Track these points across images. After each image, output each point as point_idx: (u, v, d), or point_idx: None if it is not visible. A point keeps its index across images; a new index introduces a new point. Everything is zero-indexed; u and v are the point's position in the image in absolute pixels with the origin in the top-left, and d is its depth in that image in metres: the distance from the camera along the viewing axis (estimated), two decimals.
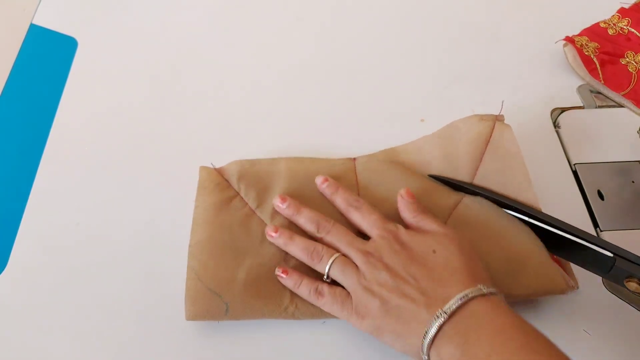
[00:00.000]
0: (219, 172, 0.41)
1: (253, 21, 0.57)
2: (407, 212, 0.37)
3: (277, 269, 0.36)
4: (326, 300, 0.34)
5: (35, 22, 0.56)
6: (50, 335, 0.36)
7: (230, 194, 0.40)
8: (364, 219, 0.37)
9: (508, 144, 0.40)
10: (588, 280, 0.39)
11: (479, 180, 0.40)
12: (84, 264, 0.40)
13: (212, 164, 0.41)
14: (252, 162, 0.41)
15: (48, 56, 0.53)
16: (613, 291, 0.38)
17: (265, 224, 0.39)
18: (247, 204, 0.40)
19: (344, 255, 0.36)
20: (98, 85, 0.51)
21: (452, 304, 0.30)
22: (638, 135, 0.47)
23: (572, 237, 0.35)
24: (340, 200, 0.39)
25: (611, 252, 0.34)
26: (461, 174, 0.40)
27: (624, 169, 0.45)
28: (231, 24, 0.57)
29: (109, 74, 0.52)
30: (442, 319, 0.30)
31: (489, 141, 0.40)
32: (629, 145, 0.47)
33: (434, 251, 0.33)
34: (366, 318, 0.33)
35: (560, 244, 0.36)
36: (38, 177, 0.44)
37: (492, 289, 0.31)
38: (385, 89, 0.51)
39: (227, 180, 0.41)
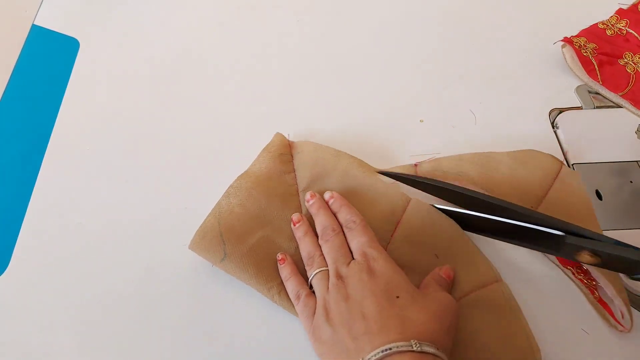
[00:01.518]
0: (290, 144, 0.44)
1: (253, 21, 0.57)
2: (430, 280, 0.36)
3: (278, 253, 0.38)
4: (299, 306, 0.36)
5: (36, 22, 0.56)
6: (51, 335, 0.37)
7: (288, 168, 0.43)
8: (352, 241, 0.38)
9: (575, 182, 0.41)
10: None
11: (542, 209, 0.39)
12: (85, 264, 0.40)
13: (288, 134, 0.44)
14: (320, 148, 0.43)
15: (50, 57, 0.53)
16: None
17: (300, 210, 0.41)
18: (296, 183, 0.42)
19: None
20: (100, 86, 0.51)
21: (372, 356, 0.30)
22: (636, 135, 0.47)
23: (519, 223, 0.36)
24: (341, 219, 0.39)
25: (560, 230, 0.34)
26: (526, 200, 0.40)
27: (622, 169, 0.46)
28: (231, 24, 0.57)
29: (111, 74, 0.52)
30: None
31: (557, 177, 0.41)
32: (627, 146, 0.47)
33: (398, 297, 0.33)
34: (317, 341, 0.34)
35: (510, 232, 0.37)
36: (40, 177, 0.44)
37: (427, 348, 0.29)
38: (385, 89, 0.51)
39: (291, 155, 0.43)
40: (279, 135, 0.45)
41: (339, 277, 0.35)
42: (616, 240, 0.33)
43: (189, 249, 0.38)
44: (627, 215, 0.43)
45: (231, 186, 0.41)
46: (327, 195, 0.41)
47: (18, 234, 0.41)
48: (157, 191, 0.44)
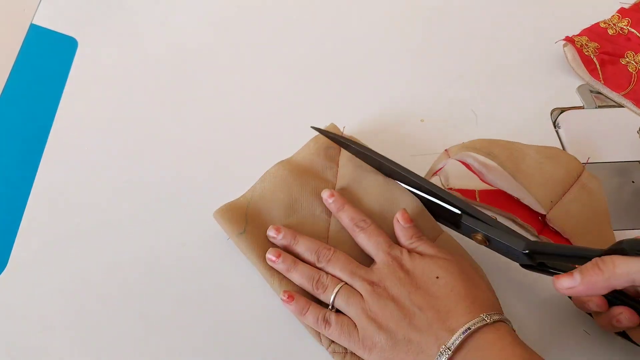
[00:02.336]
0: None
1: (253, 20, 0.57)
2: (403, 238, 0.37)
3: (282, 294, 0.36)
4: (333, 330, 0.34)
5: (35, 22, 0.56)
6: (50, 335, 0.36)
7: (332, 163, 0.42)
8: (369, 242, 0.37)
9: (595, 187, 0.41)
10: None
11: (560, 207, 0.39)
12: (84, 263, 0.40)
13: (344, 127, 0.44)
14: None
15: (48, 56, 0.53)
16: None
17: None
18: (336, 181, 0.42)
19: (347, 284, 0.35)
20: (98, 85, 0.51)
21: (455, 339, 0.30)
22: (638, 135, 0.47)
23: (427, 196, 0.38)
24: (347, 218, 0.38)
25: (458, 209, 0.36)
26: (544, 193, 0.40)
27: (624, 169, 0.45)
28: (231, 24, 0.57)
29: (109, 73, 0.52)
30: (447, 356, 0.30)
31: (578, 178, 0.41)
32: (628, 145, 0.47)
33: (438, 277, 0.33)
34: (373, 351, 0.32)
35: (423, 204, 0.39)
36: (38, 177, 0.44)
37: (496, 316, 0.31)
38: (386, 88, 0.51)
39: (339, 150, 0.43)
40: (332, 126, 0.44)
41: (372, 283, 0.34)
42: (508, 228, 0.35)
43: (213, 214, 0.39)
44: (628, 215, 0.43)
45: (268, 172, 0.41)
46: (326, 194, 0.39)
47: (16, 234, 0.41)
48: (156, 191, 0.44)
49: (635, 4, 0.56)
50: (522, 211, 0.42)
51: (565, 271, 0.32)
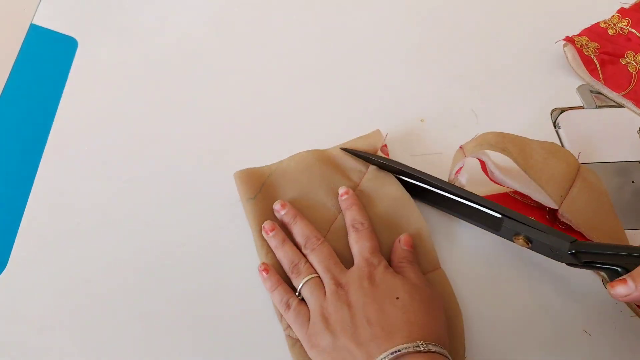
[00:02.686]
0: (382, 148, 0.44)
1: (253, 20, 0.57)
2: (395, 256, 0.38)
3: (260, 265, 0.38)
4: (290, 314, 0.36)
5: (35, 22, 0.56)
6: (50, 335, 0.36)
7: (361, 169, 0.43)
8: (356, 243, 0.38)
9: (594, 179, 0.41)
10: (588, 281, 0.39)
11: (569, 200, 0.40)
12: (84, 264, 0.40)
13: (386, 134, 0.45)
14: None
15: (48, 56, 0.53)
16: None
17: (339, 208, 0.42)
18: (359, 183, 0.42)
19: (320, 277, 0.37)
20: (98, 85, 0.51)
21: (383, 357, 0.30)
22: (638, 135, 0.47)
23: (466, 202, 0.39)
24: (349, 217, 0.39)
25: (499, 213, 0.37)
26: (553, 187, 0.40)
27: (624, 169, 0.45)
28: (231, 23, 0.56)
29: (109, 73, 0.52)
30: None
31: (578, 172, 0.41)
32: (629, 146, 0.47)
33: (397, 298, 0.33)
34: (315, 349, 0.33)
35: (458, 208, 0.40)
36: (38, 177, 0.44)
37: (433, 347, 0.31)
38: (386, 88, 0.51)
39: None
40: (376, 132, 0.44)
41: (338, 284, 0.35)
42: (550, 228, 0.35)
43: (234, 174, 0.42)
44: (629, 215, 0.43)
45: (299, 153, 0.43)
46: (342, 190, 0.41)
47: (16, 234, 0.41)
48: (156, 190, 0.44)
49: (635, 4, 0.56)
50: (529, 213, 0.42)
51: (609, 266, 0.33)
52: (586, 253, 0.34)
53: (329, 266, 0.37)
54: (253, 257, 0.40)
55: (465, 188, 0.40)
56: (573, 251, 0.34)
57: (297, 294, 0.37)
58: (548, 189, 0.39)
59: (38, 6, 0.58)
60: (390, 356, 0.30)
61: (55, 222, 0.42)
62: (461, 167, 0.40)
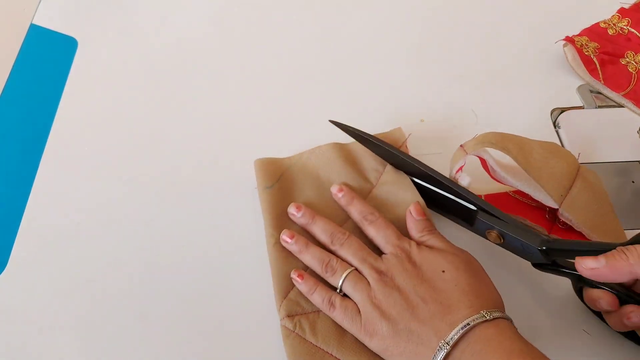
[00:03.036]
0: (403, 146, 0.44)
1: (253, 20, 0.57)
2: (414, 230, 0.38)
3: (292, 272, 0.37)
4: (337, 312, 0.35)
5: (35, 22, 0.56)
6: (50, 335, 0.36)
7: (379, 169, 0.43)
8: (377, 234, 0.38)
9: (593, 179, 0.42)
10: None
11: (569, 200, 0.40)
12: (84, 264, 0.40)
13: (409, 134, 0.44)
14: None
15: (48, 56, 0.53)
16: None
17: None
18: (374, 186, 0.42)
19: (356, 269, 0.36)
20: (98, 85, 0.51)
21: (454, 334, 0.30)
22: (638, 135, 0.47)
23: (442, 192, 0.38)
24: (356, 212, 0.39)
25: (474, 205, 0.36)
26: (553, 187, 0.40)
27: (624, 169, 0.45)
28: (231, 23, 0.57)
29: (109, 73, 0.52)
30: (445, 350, 0.30)
31: (578, 172, 0.41)
32: (629, 145, 0.47)
33: (444, 271, 0.33)
34: (374, 337, 0.33)
35: (433, 198, 0.40)
36: (38, 176, 0.44)
37: (497, 313, 0.31)
38: (386, 88, 0.51)
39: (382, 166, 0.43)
40: (398, 130, 0.44)
41: (380, 272, 0.35)
42: (523, 225, 0.35)
43: (255, 161, 0.42)
44: (629, 215, 0.43)
45: (320, 147, 0.43)
46: (335, 189, 0.41)
47: (16, 234, 0.41)
48: (156, 190, 0.43)
49: (635, 4, 0.56)
50: (529, 212, 0.42)
51: (576, 271, 0.33)
52: (557, 250, 0.34)
53: (364, 257, 0.36)
54: (257, 258, 0.39)
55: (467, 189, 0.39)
56: (544, 247, 0.33)
57: (338, 291, 0.36)
58: (548, 188, 0.39)
59: (38, 6, 0.58)
60: (461, 331, 0.30)
61: (55, 222, 0.42)
62: (462, 166, 0.40)
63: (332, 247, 0.38)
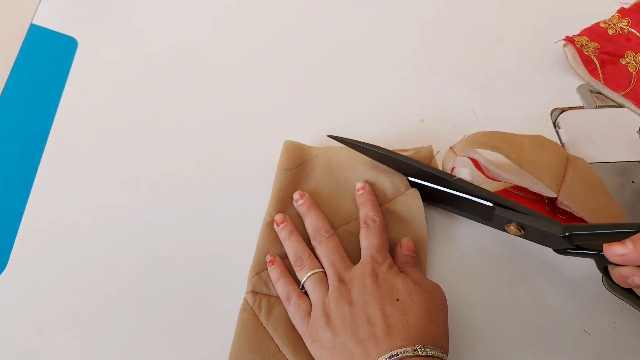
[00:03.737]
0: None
1: (253, 20, 0.57)
2: (397, 261, 0.38)
3: (268, 256, 0.38)
4: (290, 308, 0.36)
5: (35, 22, 0.56)
6: (50, 335, 0.36)
7: (400, 187, 0.42)
8: (365, 239, 0.38)
9: (584, 166, 0.42)
10: (588, 280, 0.39)
11: (566, 188, 0.40)
12: (84, 264, 0.40)
13: (438, 152, 0.43)
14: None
15: (48, 56, 0.53)
16: (613, 291, 0.38)
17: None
18: (392, 200, 0.42)
19: (324, 271, 0.37)
20: (98, 85, 0.51)
21: None
22: (638, 135, 0.47)
23: (456, 193, 0.39)
24: (362, 213, 0.40)
25: (491, 202, 0.37)
26: (548, 177, 0.40)
27: (624, 169, 0.45)
28: (232, 23, 0.57)
29: (110, 73, 0.52)
30: None
31: (568, 161, 0.42)
32: (629, 146, 0.47)
33: (398, 299, 0.33)
34: (315, 343, 0.33)
35: (448, 199, 0.40)
36: (38, 177, 0.44)
37: (430, 351, 0.31)
38: (386, 88, 0.51)
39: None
40: (428, 148, 0.43)
41: (342, 280, 0.35)
42: (541, 215, 0.35)
43: (285, 141, 0.43)
44: (629, 215, 0.42)
45: (349, 148, 0.42)
46: (358, 185, 0.41)
47: (16, 234, 0.41)
48: (156, 190, 0.44)
49: (635, 4, 0.56)
50: (529, 205, 0.42)
51: (600, 252, 0.32)
52: (579, 235, 0.34)
53: (334, 261, 0.37)
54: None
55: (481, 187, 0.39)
56: (566, 234, 0.33)
57: (300, 287, 0.37)
58: (544, 179, 0.39)
59: (38, 6, 0.58)
60: (389, 359, 0.30)
61: (55, 222, 0.42)
62: (454, 167, 0.40)
63: (312, 242, 0.38)
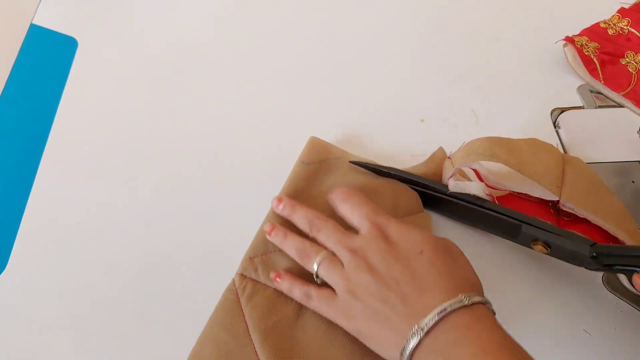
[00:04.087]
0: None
1: (254, 20, 0.57)
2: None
3: (271, 273, 0.36)
4: (315, 303, 0.34)
5: (35, 22, 0.56)
6: (50, 335, 0.36)
7: (405, 212, 0.41)
8: (353, 214, 0.35)
9: (582, 165, 0.42)
10: (588, 280, 0.39)
11: (567, 188, 0.40)
12: (84, 264, 0.40)
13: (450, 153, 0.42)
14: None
15: (48, 56, 0.53)
16: (613, 291, 0.38)
17: None
18: (399, 216, 0.41)
19: (333, 253, 0.34)
20: (98, 85, 0.51)
21: (429, 320, 0.28)
22: (638, 135, 0.47)
23: (483, 209, 0.38)
24: (332, 196, 0.37)
25: (517, 220, 0.36)
26: (548, 180, 0.40)
27: (624, 169, 0.45)
28: (232, 23, 0.56)
29: (110, 73, 0.52)
30: (418, 337, 0.28)
31: (564, 161, 0.42)
32: (629, 146, 0.47)
33: (421, 251, 0.31)
34: (351, 320, 0.32)
35: (476, 217, 0.39)
36: (38, 177, 0.44)
37: (475, 298, 0.29)
38: (385, 88, 0.51)
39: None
40: (441, 151, 0.43)
41: (353, 251, 0.33)
42: (568, 232, 0.35)
43: (311, 136, 0.43)
44: None
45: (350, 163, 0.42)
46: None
47: (16, 234, 0.41)
48: (155, 191, 0.43)
49: (635, 4, 0.56)
50: (536, 208, 0.42)
51: (630, 267, 0.32)
52: (607, 256, 0.33)
53: (339, 238, 0.34)
54: None
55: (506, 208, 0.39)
56: (594, 254, 0.33)
57: (315, 277, 0.34)
58: (545, 182, 0.39)
59: (38, 6, 0.58)
60: (437, 317, 0.28)
61: (55, 222, 0.42)
62: (452, 174, 0.40)
63: (311, 235, 0.36)
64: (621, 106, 0.50)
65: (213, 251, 0.40)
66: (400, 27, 0.56)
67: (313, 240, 0.36)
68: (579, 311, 0.38)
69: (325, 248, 0.35)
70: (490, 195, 0.40)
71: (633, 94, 0.50)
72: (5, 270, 0.39)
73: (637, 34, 0.54)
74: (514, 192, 0.43)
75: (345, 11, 0.58)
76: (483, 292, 0.31)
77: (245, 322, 0.35)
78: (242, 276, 0.37)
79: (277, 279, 0.36)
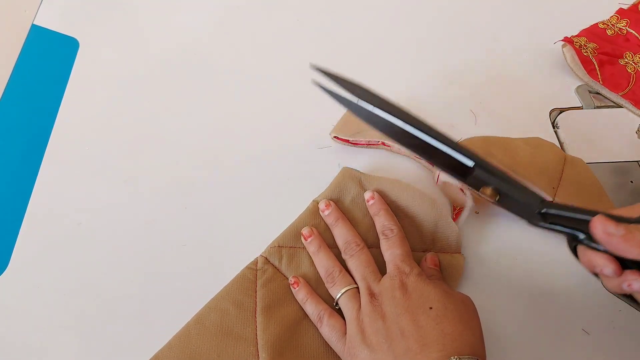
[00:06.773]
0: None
1: (254, 21, 0.57)
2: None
3: (290, 278, 0.38)
4: (324, 329, 0.35)
5: (36, 22, 0.56)
6: (51, 335, 0.37)
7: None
8: (387, 250, 0.37)
9: (581, 166, 0.42)
10: (588, 280, 0.39)
11: (562, 189, 0.40)
12: (85, 264, 0.40)
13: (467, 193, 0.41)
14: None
15: (49, 57, 0.53)
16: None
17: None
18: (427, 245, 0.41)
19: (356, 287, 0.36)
20: (99, 86, 0.51)
21: None
22: (636, 135, 0.47)
23: (438, 144, 0.36)
24: (379, 224, 0.39)
25: (472, 161, 0.34)
26: (544, 180, 0.41)
27: (623, 169, 0.45)
28: (232, 24, 0.57)
29: (111, 74, 0.52)
30: None
31: (565, 161, 0.42)
32: (627, 146, 0.47)
33: (431, 308, 0.32)
34: (354, 359, 0.33)
35: (428, 150, 0.37)
36: (40, 177, 0.44)
37: (467, 358, 0.30)
38: (385, 88, 0.51)
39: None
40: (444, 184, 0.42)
41: (372, 295, 0.35)
42: (523, 184, 0.34)
43: (331, 134, 0.44)
44: None
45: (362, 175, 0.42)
46: (367, 195, 0.40)
47: (18, 234, 0.41)
48: (156, 191, 0.44)
49: (634, 5, 0.56)
50: None
51: (573, 230, 0.31)
52: (555, 216, 0.32)
53: (365, 274, 0.36)
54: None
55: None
56: (543, 210, 0.32)
57: (334, 303, 0.36)
58: (540, 183, 0.39)
59: (39, 7, 0.58)
60: None
61: (56, 222, 0.42)
62: (439, 174, 0.41)
63: (344, 256, 0.38)
64: (620, 106, 0.50)
65: (213, 251, 0.40)
66: (400, 28, 0.57)
67: (344, 259, 0.38)
68: (578, 311, 0.38)
69: (350, 275, 0.37)
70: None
71: (631, 95, 0.50)
72: (6, 270, 0.39)
73: (636, 34, 0.54)
74: None
75: (346, 12, 0.58)
76: (482, 354, 0.32)
77: (255, 303, 0.36)
78: (266, 260, 0.38)
79: (295, 286, 0.37)
